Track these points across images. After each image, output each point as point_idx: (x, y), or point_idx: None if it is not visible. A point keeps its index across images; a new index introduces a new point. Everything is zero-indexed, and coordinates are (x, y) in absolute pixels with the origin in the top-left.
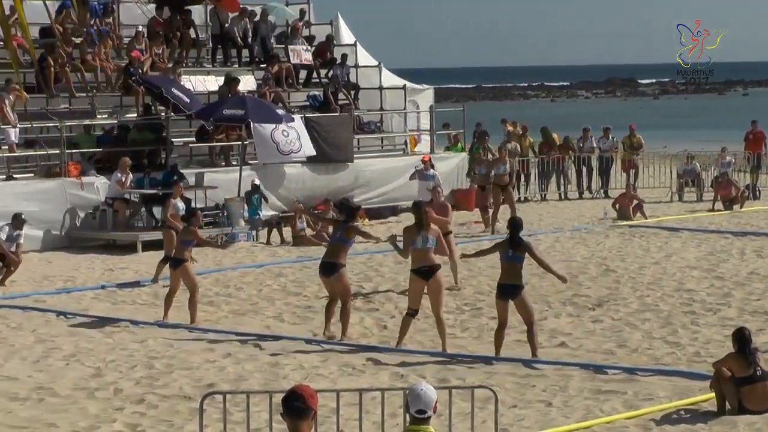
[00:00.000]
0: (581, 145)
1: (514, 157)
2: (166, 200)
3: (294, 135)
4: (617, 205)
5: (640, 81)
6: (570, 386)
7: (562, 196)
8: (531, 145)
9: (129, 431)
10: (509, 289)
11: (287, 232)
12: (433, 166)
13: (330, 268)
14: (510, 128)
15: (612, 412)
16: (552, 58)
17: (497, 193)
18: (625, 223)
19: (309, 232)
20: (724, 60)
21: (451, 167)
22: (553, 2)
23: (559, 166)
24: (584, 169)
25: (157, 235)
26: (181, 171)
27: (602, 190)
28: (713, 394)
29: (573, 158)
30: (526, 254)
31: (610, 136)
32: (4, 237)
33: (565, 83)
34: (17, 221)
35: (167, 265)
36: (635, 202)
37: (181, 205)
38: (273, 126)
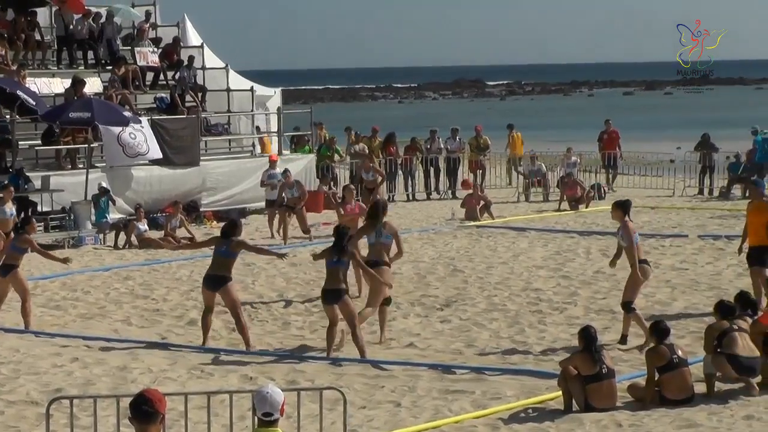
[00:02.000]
0: (428, 146)
1: (362, 158)
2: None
3: (141, 137)
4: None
5: (487, 82)
6: (419, 386)
7: (410, 197)
8: (378, 147)
9: None
10: (333, 293)
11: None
12: (276, 164)
13: (216, 282)
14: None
15: (460, 411)
16: (399, 60)
17: (366, 197)
18: (472, 223)
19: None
20: (565, 62)
21: (299, 169)
22: (401, 3)
23: (406, 167)
24: (432, 170)
25: None
26: (27, 174)
27: (450, 191)
28: (560, 393)
29: (420, 159)
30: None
31: (458, 137)
32: None
33: (412, 84)
34: None
35: None
36: (482, 202)
37: (9, 210)
38: (120, 128)
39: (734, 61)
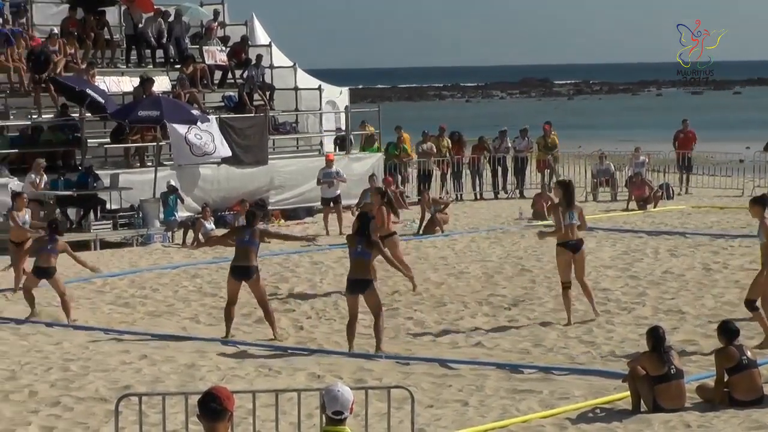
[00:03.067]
0: (497, 145)
1: (430, 157)
2: (9, 213)
3: (208, 137)
4: (535, 205)
5: (554, 81)
6: (486, 386)
7: (478, 196)
8: (447, 146)
9: None
10: (358, 283)
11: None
12: (332, 163)
13: (242, 272)
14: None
15: (528, 411)
16: (466, 59)
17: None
18: (540, 222)
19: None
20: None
21: (366, 168)
22: (469, 2)
23: (473, 166)
24: (499, 169)
25: (72, 237)
26: (96, 172)
27: (517, 190)
28: (628, 393)
29: (488, 158)
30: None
31: (527, 137)
32: None
33: (480, 83)
34: None
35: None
36: (550, 201)
37: (27, 218)
38: (187, 128)
39: None
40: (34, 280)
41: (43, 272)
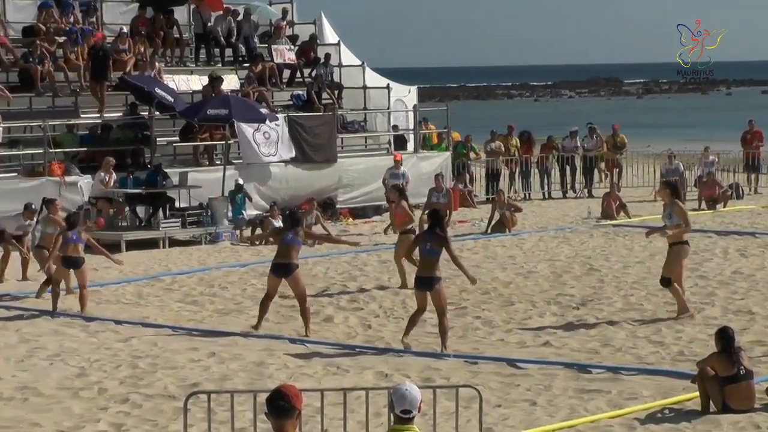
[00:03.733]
0: (565, 144)
1: (498, 156)
2: (46, 217)
3: (275, 136)
4: (603, 204)
5: (623, 80)
6: (554, 385)
7: (546, 196)
8: (516, 145)
9: (113, 431)
10: (426, 280)
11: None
12: (401, 164)
13: (283, 269)
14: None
15: (596, 411)
16: (535, 58)
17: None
18: (609, 222)
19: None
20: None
21: (434, 167)
22: (537, 2)
23: (542, 165)
24: (568, 169)
25: (141, 235)
26: (165, 170)
27: (586, 190)
28: (697, 393)
29: (556, 157)
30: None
31: (595, 136)
32: (15, 227)
33: (548, 82)
34: (27, 212)
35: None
36: (618, 201)
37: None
38: (255, 126)
39: None
40: (63, 271)
41: (72, 262)
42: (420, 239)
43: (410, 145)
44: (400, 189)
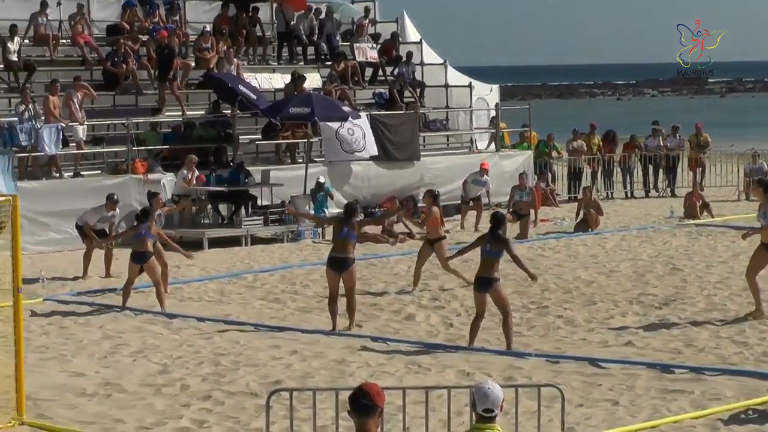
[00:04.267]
0: (648, 143)
1: (580, 155)
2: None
3: (359, 133)
4: (686, 204)
5: (707, 79)
6: (637, 385)
7: (628, 195)
8: (598, 144)
9: (195, 427)
10: (484, 281)
11: None
12: (487, 173)
13: (341, 264)
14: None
15: (679, 411)
16: (618, 56)
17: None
18: (692, 222)
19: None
20: None
21: (517, 165)
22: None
23: (624, 164)
24: (650, 168)
25: (223, 232)
26: (248, 168)
27: (669, 189)
28: None
29: (639, 156)
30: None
31: (678, 135)
32: (97, 219)
33: (631, 81)
34: (110, 202)
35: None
36: (701, 200)
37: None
38: (338, 124)
39: None
40: (134, 267)
41: (140, 257)
42: (481, 240)
43: (482, 145)
44: (434, 194)
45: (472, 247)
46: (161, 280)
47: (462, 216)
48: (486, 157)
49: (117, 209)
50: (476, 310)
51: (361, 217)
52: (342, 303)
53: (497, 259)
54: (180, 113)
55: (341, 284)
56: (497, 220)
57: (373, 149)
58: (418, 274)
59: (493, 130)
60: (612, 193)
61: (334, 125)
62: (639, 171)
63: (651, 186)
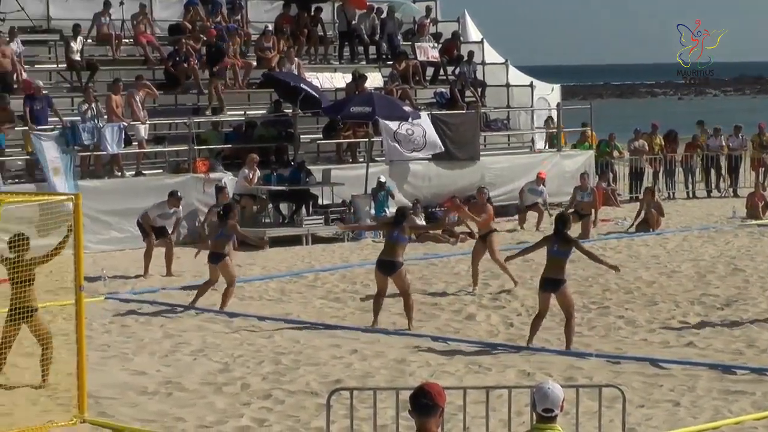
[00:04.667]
0: (710, 143)
1: (642, 155)
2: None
3: (420, 132)
4: (748, 204)
5: None
6: (698, 386)
7: (690, 195)
8: (660, 143)
9: (256, 426)
10: (551, 282)
11: None
12: (544, 183)
13: (389, 267)
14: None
15: (741, 412)
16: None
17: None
18: (754, 222)
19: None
20: None
21: (578, 165)
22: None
23: (686, 164)
24: (712, 168)
25: (284, 231)
26: (308, 168)
27: (731, 189)
28: None
29: (701, 156)
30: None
31: (740, 135)
32: (158, 214)
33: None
34: (173, 198)
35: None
36: (764, 201)
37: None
38: (398, 124)
39: None
40: (213, 268)
41: (216, 257)
42: (546, 241)
43: (540, 145)
44: (486, 191)
45: (536, 248)
46: (233, 282)
47: (520, 222)
48: (547, 156)
49: (180, 206)
50: (539, 309)
51: (422, 216)
52: (391, 302)
53: (565, 260)
54: (242, 113)
55: (393, 285)
56: (564, 221)
57: (435, 147)
58: (476, 272)
59: (550, 130)
60: (674, 193)
61: (395, 124)
62: (701, 171)
63: (713, 186)
